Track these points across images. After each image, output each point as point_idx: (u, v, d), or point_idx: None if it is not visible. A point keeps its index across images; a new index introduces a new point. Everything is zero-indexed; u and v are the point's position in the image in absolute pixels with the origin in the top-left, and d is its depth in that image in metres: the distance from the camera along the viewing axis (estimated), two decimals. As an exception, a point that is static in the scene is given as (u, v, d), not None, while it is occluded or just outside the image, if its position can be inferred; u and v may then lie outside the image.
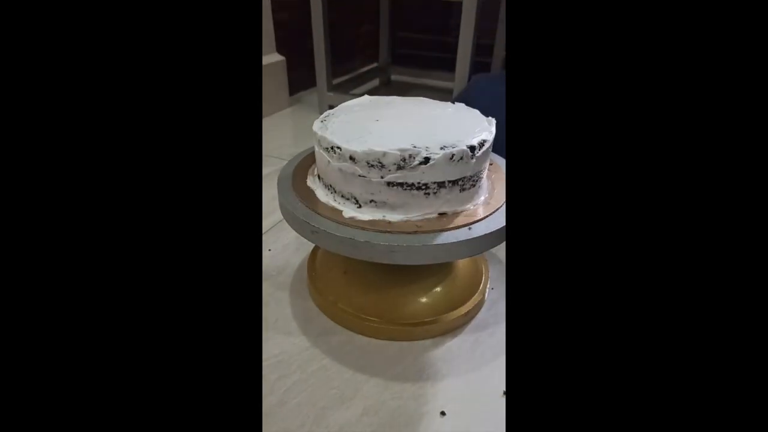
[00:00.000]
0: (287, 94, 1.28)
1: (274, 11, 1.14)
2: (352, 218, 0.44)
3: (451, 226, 0.43)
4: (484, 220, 0.45)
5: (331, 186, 0.46)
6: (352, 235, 0.42)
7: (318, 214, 0.45)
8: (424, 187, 0.42)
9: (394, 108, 0.51)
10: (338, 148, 0.43)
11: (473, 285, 0.57)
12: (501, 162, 0.57)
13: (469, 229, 0.43)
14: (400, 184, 0.42)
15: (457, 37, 1.01)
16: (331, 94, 1.20)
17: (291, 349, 0.51)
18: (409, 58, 1.64)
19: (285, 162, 0.56)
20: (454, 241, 0.42)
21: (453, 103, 0.54)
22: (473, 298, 0.55)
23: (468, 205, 0.46)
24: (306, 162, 0.55)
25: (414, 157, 0.41)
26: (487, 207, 0.47)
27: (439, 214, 0.45)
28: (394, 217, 0.44)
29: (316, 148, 0.47)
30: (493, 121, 0.48)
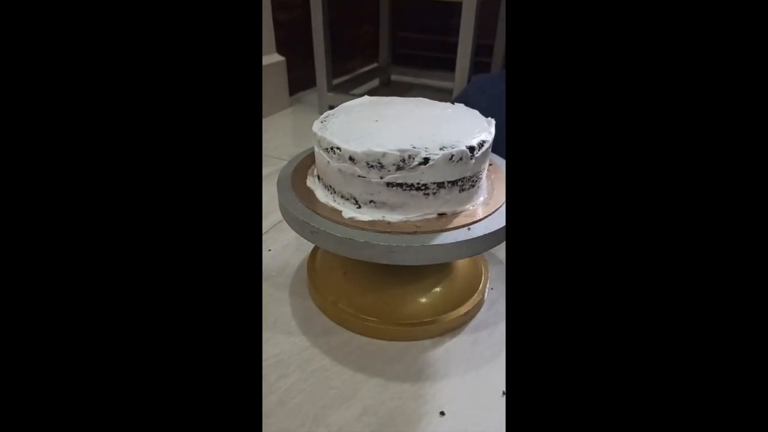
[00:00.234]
0: (287, 94, 1.28)
1: (274, 11, 1.14)
2: (351, 219, 0.44)
3: (451, 226, 0.43)
4: (483, 221, 0.45)
5: (330, 186, 0.47)
6: (352, 236, 0.42)
7: (318, 214, 0.45)
8: (423, 187, 0.43)
9: (394, 108, 0.51)
10: (338, 148, 0.43)
11: (473, 285, 0.57)
12: (500, 162, 0.57)
13: (469, 229, 0.43)
14: (400, 185, 0.42)
15: (457, 37, 1.01)
16: (331, 94, 1.20)
17: (291, 349, 0.51)
18: (410, 58, 1.64)
19: (285, 162, 0.56)
20: (454, 241, 0.42)
21: (453, 103, 0.54)
22: (473, 298, 0.55)
23: (467, 206, 0.46)
24: (306, 162, 0.55)
25: (413, 158, 0.41)
26: (486, 207, 0.47)
27: (439, 214, 0.45)
28: (393, 217, 0.44)
29: (316, 149, 0.47)
30: (493, 121, 0.48)
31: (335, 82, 1.30)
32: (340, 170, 0.44)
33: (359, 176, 0.43)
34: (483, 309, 0.57)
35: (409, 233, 0.42)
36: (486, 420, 0.43)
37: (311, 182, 0.51)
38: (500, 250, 0.68)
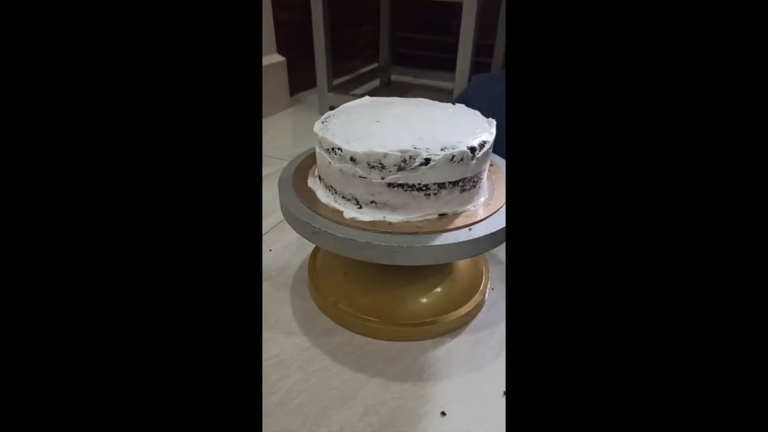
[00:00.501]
0: (288, 94, 1.28)
1: (274, 11, 1.14)
2: (352, 219, 0.44)
3: (452, 226, 0.43)
4: (484, 221, 0.45)
5: (331, 187, 0.47)
6: (353, 236, 0.42)
7: (319, 214, 0.45)
8: (424, 188, 0.43)
9: (395, 109, 0.51)
10: (339, 149, 0.43)
11: (473, 285, 0.57)
12: (501, 163, 0.57)
13: (470, 230, 0.43)
14: (401, 185, 0.42)
15: (457, 37, 1.01)
16: (331, 94, 1.20)
17: (291, 350, 0.51)
18: (410, 59, 1.64)
19: (285, 162, 0.56)
20: (455, 241, 0.42)
21: (453, 104, 0.54)
22: (473, 298, 0.55)
23: (468, 206, 0.46)
24: (307, 163, 0.56)
25: (414, 158, 0.41)
26: (487, 208, 0.47)
27: (440, 215, 0.45)
28: (394, 217, 0.44)
29: (317, 149, 0.47)
30: (494, 122, 0.48)
31: (336, 82, 1.30)
32: (341, 171, 0.44)
33: (360, 177, 0.43)
34: (484, 309, 0.57)
35: (410, 234, 0.42)
36: (487, 420, 0.43)
37: (312, 182, 0.51)
38: (500, 251, 0.68)
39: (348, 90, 1.30)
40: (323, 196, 0.48)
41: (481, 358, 0.50)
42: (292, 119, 1.22)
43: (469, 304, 0.54)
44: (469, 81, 0.98)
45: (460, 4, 0.96)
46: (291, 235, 0.71)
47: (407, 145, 0.41)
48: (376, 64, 1.60)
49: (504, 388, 0.47)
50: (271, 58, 1.18)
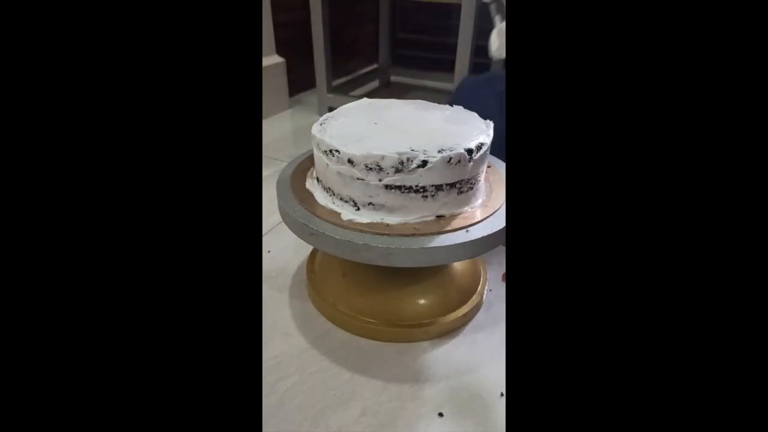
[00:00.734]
0: (287, 95, 1.28)
1: (274, 13, 1.14)
2: (350, 221, 0.44)
3: (449, 228, 0.43)
4: (481, 223, 0.45)
5: (329, 188, 0.47)
6: (351, 238, 0.42)
7: (317, 216, 0.45)
8: (421, 190, 0.43)
9: (392, 111, 0.52)
10: (337, 151, 0.43)
11: (471, 287, 0.57)
12: (498, 164, 0.57)
13: (467, 231, 0.43)
14: (398, 187, 0.42)
15: (456, 38, 1.01)
16: (330, 95, 1.20)
17: (290, 351, 0.51)
18: (409, 60, 1.64)
19: (284, 163, 0.56)
20: (452, 243, 0.42)
21: (451, 105, 0.54)
22: (471, 299, 0.55)
23: (465, 208, 0.46)
24: (305, 164, 0.56)
25: (412, 161, 0.41)
26: (484, 209, 0.47)
27: (437, 216, 0.45)
28: (392, 219, 0.44)
29: (315, 151, 0.47)
30: (491, 124, 0.48)
31: (335, 83, 1.30)
32: (339, 172, 0.44)
33: (358, 179, 0.43)
34: (482, 311, 0.57)
35: (408, 235, 0.42)
36: (484, 421, 0.44)
37: (310, 184, 0.51)
38: (499, 252, 0.68)
39: (347, 91, 1.30)
40: (321, 197, 0.48)
41: (479, 359, 0.51)
42: (291, 120, 1.22)
43: (467, 305, 0.55)
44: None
45: (459, 6, 0.97)
46: (290, 237, 0.71)
47: (404, 148, 0.41)
48: (375, 66, 1.60)
49: (502, 390, 0.47)
50: (271, 59, 1.18)
